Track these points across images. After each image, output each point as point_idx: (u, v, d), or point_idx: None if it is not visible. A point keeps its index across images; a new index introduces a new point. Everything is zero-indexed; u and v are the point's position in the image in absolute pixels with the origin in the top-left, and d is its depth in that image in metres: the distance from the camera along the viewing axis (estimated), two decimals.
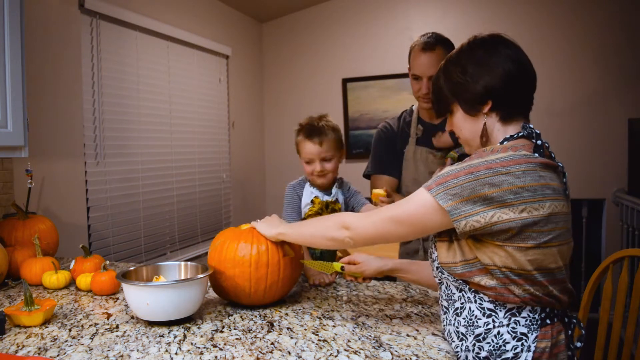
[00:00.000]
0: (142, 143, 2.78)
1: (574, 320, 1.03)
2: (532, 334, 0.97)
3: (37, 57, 2.07)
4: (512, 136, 1.03)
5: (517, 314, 0.98)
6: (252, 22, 4.15)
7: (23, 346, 1.07)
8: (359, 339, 1.09)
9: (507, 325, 0.97)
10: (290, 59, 4.26)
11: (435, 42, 1.74)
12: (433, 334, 1.12)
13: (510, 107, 1.04)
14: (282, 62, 4.29)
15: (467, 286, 1.00)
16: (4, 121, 1.56)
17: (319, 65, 4.18)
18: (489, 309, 0.99)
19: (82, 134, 2.35)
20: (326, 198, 1.70)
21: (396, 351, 1.02)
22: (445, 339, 1.09)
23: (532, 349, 0.96)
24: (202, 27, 3.35)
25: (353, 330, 1.14)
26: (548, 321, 0.98)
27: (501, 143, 1.04)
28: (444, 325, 1.09)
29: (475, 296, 1.00)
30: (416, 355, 1.00)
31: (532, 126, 1.03)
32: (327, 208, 1.73)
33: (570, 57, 3.55)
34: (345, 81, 4.09)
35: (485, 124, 1.05)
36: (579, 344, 1.02)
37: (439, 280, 1.09)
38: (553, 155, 1.02)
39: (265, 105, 4.37)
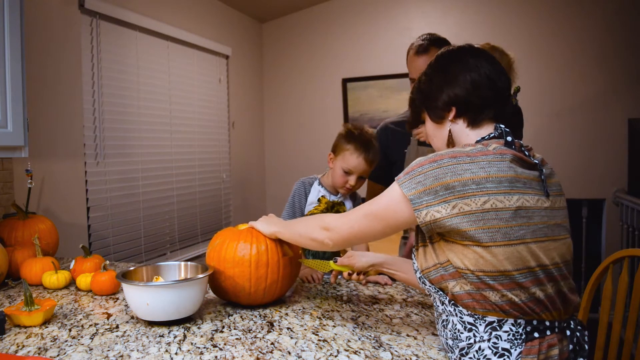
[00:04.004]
0: (142, 143, 2.78)
1: (577, 334, 0.95)
2: (515, 350, 0.90)
3: (37, 57, 2.07)
4: (483, 138, 1.02)
5: (498, 328, 0.91)
6: (252, 22, 4.15)
7: (23, 346, 1.07)
8: (359, 339, 1.09)
9: (488, 340, 0.91)
10: (290, 59, 4.26)
11: (429, 44, 1.74)
12: (433, 334, 1.12)
13: (477, 113, 1.03)
14: (282, 62, 4.29)
15: (447, 298, 0.96)
16: (4, 121, 1.56)
17: (319, 65, 4.18)
18: (469, 323, 0.93)
19: (82, 134, 2.35)
20: (333, 198, 1.70)
21: (396, 351, 1.02)
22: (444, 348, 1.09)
23: None
24: (202, 27, 3.36)
25: (353, 330, 1.14)
26: (536, 334, 0.91)
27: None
28: (439, 335, 1.06)
29: (455, 309, 0.95)
30: (416, 355, 1.00)
31: (502, 126, 1.01)
32: (332, 208, 1.72)
33: (571, 58, 3.55)
34: (345, 81, 4.09)
35: (450, 130, 1.06)
36: None
37: (428, 292, 1.05)
38: (527, 153, 0.98)
39: (265, 105, 4.37)
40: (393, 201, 0.98)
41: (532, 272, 0.90)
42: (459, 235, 0.91)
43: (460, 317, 0.94)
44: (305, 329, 1.15)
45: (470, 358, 0.93)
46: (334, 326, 1.17)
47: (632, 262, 2.85)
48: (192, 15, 3.26)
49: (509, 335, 0.91)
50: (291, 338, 1.10)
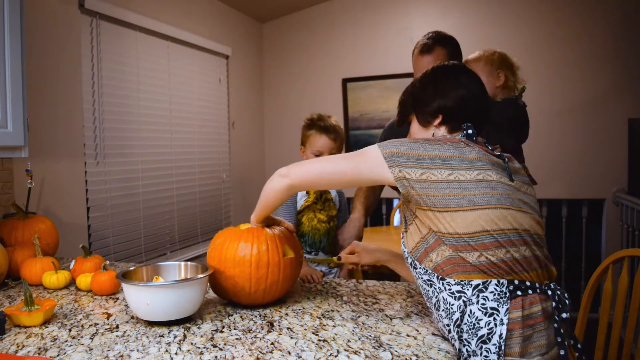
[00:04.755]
0: (142, 143, 2.78)
1: (558, 292, 1.04)
2: (502, 307, 0.99)
3: (37, 57, 2.07)
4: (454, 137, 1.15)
5: (484, 290, 1.00)
6: (252, 22, 4.15)
7: (23, 346, 1.07)
8: (359, 339, 1.09)
9: (477, 303, 1.00)
10: (290, 59, 4.27)
11: (434, 44, 1.74)
12: (433, 334, 1.12)
13: (460, 123, 1.16)
14: (282, 62, 4.29)
15: (435, 275, 1.05)
16: (4, 121, 1.56)
17: (319, 65, 4.18)
18: (457, 291, 1.02)
19: (82, 134, 2.35)
20: None
21: (396, 351, 1.02)
22: (446, 338, 1.09)
23: (505, 321, 0.98)
24: (202, 27, 3.36)
25: (353, 330, 1.14)
26: (519, 292, 1.00)
27: None
28: (436, 323, 1.13)
29: (442, 284, 1.04)
30: (416, 355, 1.00)
31: (469, 124, 1.13)
32: (321, 197, 1.82)
33: (571, 58, 3.55)
34: (345, 81, 4.09)
35: (433, 134, 1.20)
36: (564, 315, 1.04)
37: (417, 277, 1.13)
38: (491, 147, 1.12)
39: (265, 105, 4.37)
40: (367, 154, 1.09)
41: (503, 233, 1.00)
42: (427, 200, 1.03)
43: (449, 289, 1.03)
44: (305, 329, 1.15)
45: (465, 324, 1.02)
46: (334, 326, 1.17)
47: (632, 262, 2.85)
48: (192, 15, 3.26)
49: (494, 295, 1.00)
50: (291, 338, 1.10)
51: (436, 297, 1.07)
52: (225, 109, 3.70)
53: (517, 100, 1.79)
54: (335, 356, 1.00)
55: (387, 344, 1.06)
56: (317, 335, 1.12)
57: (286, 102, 4.29)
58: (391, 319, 1.23)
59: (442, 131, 1.19)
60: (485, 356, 0.99)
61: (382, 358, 0.99)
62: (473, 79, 1.19)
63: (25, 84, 1.63)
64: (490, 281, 1.01)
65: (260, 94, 4.31)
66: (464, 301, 1.01)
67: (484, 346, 0.99)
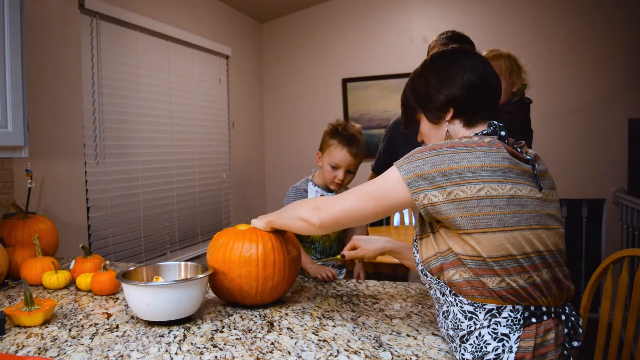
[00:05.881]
0: (142, 143, 2.78)
1: (572, 319, 0.98)
2: (514, 334, 0.93)
3: (37, 57, 2.07)
4: (477, 134, 1.05)
5: (498, 315, 0.95)
6: (252, 22, 4.15)
7: (23, 346, 1.07)
8: (359, 339, 1.09)
9: (488, 327, 0.95)
10: (290, 59, 4.26)
11: (452, 45, 1.72)
12: (433, 334, 1.12)
13: (473, 113, 1.07)
14: (282, 62, 4.29)
15: (448, 289, 0.99)
16: (4, 121, 1.56)
17: (319, 65, 4.18)
18: (469, 312, 0.97)
19: (82, 134, 2.35)
20: (329, 194, 1.73)
21: (396, 351, 1.02)
22: (445, 340, 1.09)
23: (515, 349, 0.93)
24: (202, 27, 3.36)
25: (353, 330, 1.14)
26: (534, 320, 0.94)
27: None
28: (440, 327, 1.09)
29: (455, 299, 0.98)
30: (416, 355, 1.00)
31: (496, 122, 1.05)
32: None
33: (571, 58, 3.55)
34: (345, 81, 4.09)
35: (447, 130, 1.09)
36: (575, 344, 0.98)
37: (428, 285, 1.07)
38: (520, 150, 1.02)
39: (265, 105, 4.37)
40: (389, 183, 1.01)
41: (528, 257, 0.94)
42: (454, 222, 0.94)
43: (461, 307, 0.97)
44: (305, 329, 1.15)
45: (471, 344, 0.96)
46: (334, 326, 1.17)
47: (632, 262, 2.85)
48: (192, 15, 3.26)
49: (507, 321, 0.94)
50: (291, 338, 1.10)
51: (447, 307, 1.01)
52: (225, 109, 3.70)
53: (524, 101, 1.79)
54: (335, 356, 1.00)
55: (387, 344, 1.06)
56: (317, 335, 1.12)
57: (286, 102, 4.29)
58: (391, 319, 1.23)
59: (457, 126, 1.08)
60: None
61: (382, 358, 0.99)
62: (477, 60, 1.08)
63: (25, 84, 1.63)
64: (505, 307, 0.94)
65: (260, 94, 4.31)
66: (474, 322, 0.96)
67: None
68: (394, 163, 1.02)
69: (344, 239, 1.86)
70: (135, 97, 2.73)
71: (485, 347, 0.94)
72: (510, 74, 1.76)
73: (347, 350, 1.02)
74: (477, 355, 0.95)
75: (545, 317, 0.95)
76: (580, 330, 0.99)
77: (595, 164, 3.54)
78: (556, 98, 3.58)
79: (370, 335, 1.11)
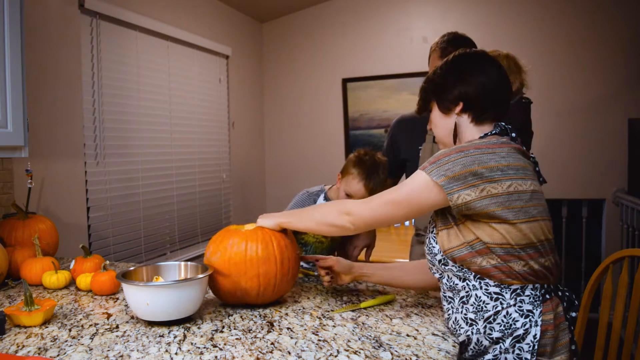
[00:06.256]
0: (142, 143, 2.78)
1: (567, 293, 1.12)
2: (537, 310, 1.05)
3: (37, 57, 2.07)
4: (486, 134, 1.15)
5: (522, 293, 1.06)
6: (252, 22, 4.15)
7: (23, 346, 1.07)
8: (359, 339, 1.09)
9: (515, 305, 1.06)
10: (290, 59, 4.26)
11: (454, 48, 1.72)
12: (433, 334, 1.12)
13: (482, 111, 1.16)
14: (282, 62, 4.29)
15: (472, 274, 1.08)
16: (4, 121, 1.56)
17: (319, 65, 4.18)
18: (495, 293, 1.06)
19: (82, 134, 2.35)
20: None
21: (396, 351, 1.02)
22: (444, 338, 1.09)
23: (539, 323, 1.05)
24: (202, 27, 3.35)
25: (353, 330, 1.14)
26: (547, 296, 1.08)
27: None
28: (450, 315, 1.14)
29: (480, 283, 1.08)
30: (416, 355, 1.00)
31: (503, 123, 1.16)
32: None
33: (571, 58, 3.55)
34: (345, 81, 4.09)
35: (456, 123, 1.19)
36: (573, 314, 1.11)
37: (440, 274, 1.15)
38: (524, 148, 1.13)
39: (265, 105, 4.37)
40: (419, 188, 1.09)
41: (542, 244, 1.07)
42: (487, 215, 1.04)
43: (486, 289, 1.07)
44: (305, 329, 1.15)
45: (499, 323, 1.06)
46: (334, 326, 1.17)
47: (632, 262, 2.85)
48: (192, 15, 3.26)
49: (530, 298, 1.06)
50: (291, 338, 1.10)
51: (467, 292, 1.09)
52: (225, 109, 3.70)
53: (523, 101, 1.79)
54: (335, 356, 1.00)
55: (387, 344, 1.06)
56: (317, 335, 1.12)
57: (286, 102, 4.29)
58: (391, 319, 1.23)
59: (465, 120, 1.17)
60: (518, 354, 1.05)
61: (382, 358, 0.99)
62: (495, 67, 1.18)
63: (25, 84, 1.63)
64: (527, 286, 1.06)
65: (260, 94, 4.31)
66: (500, 303, 1.06)
67: (518, 345, 1.05)
68: (420, 168, 1.10)
69: (337, 248, 1.85)
70: (135, 97, 2.73)
71: (514, 324, 1.05)
72: (508, 73, 1.76)
73: (347, 350, 1.02)
74: (507, 332, 1.05)
75: (552, 294, 1.09)
76: (577, 302, 1.13)
77: (595, 164, 3.54)
78: (556, 98, 3.58)
79: (370, 335, 1.11)
